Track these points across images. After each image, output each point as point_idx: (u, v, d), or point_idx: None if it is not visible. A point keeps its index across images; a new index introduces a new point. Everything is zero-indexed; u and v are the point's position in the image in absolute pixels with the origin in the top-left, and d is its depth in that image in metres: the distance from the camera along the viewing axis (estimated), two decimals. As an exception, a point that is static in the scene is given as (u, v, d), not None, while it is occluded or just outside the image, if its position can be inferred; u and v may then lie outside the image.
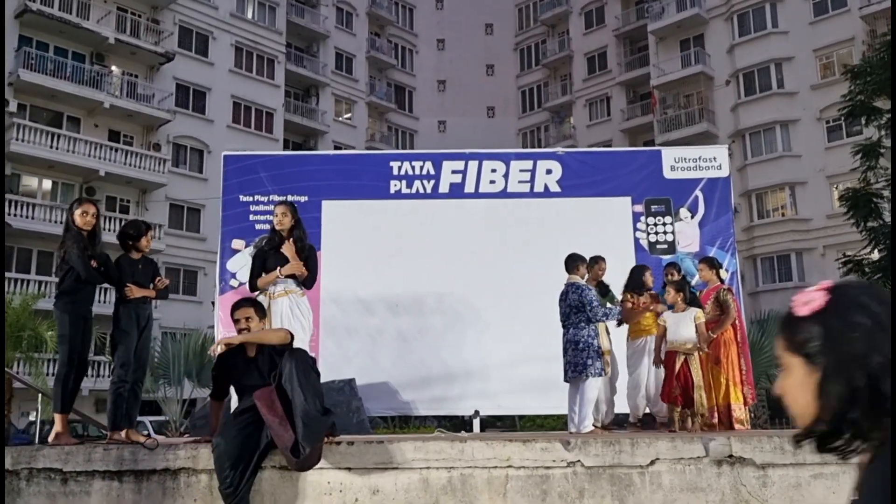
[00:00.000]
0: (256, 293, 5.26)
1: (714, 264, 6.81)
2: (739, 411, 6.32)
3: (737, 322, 6.56)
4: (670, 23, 30.86)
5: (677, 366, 6.12)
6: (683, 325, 6.28)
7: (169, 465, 3.68)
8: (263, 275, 5.26)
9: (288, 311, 5.22)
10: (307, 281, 5.39)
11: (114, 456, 3.74)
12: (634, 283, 7.04)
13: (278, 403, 3.48)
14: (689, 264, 8.43)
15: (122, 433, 4.56)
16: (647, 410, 7.03)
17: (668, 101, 31.05)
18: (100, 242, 4.81)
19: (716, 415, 6.35)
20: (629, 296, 6.94)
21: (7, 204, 21.86)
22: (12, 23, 23.12)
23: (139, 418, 18.91)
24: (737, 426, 6.24)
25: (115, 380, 4.69)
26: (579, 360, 6.29)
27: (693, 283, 7.60)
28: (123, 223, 5.16)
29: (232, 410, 3.90)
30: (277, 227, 5.34)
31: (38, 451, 3.82)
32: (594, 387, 6.30)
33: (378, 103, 35.57)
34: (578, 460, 3.61)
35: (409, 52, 38.70)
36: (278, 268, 5.23)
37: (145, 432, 17.62)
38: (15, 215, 21.76)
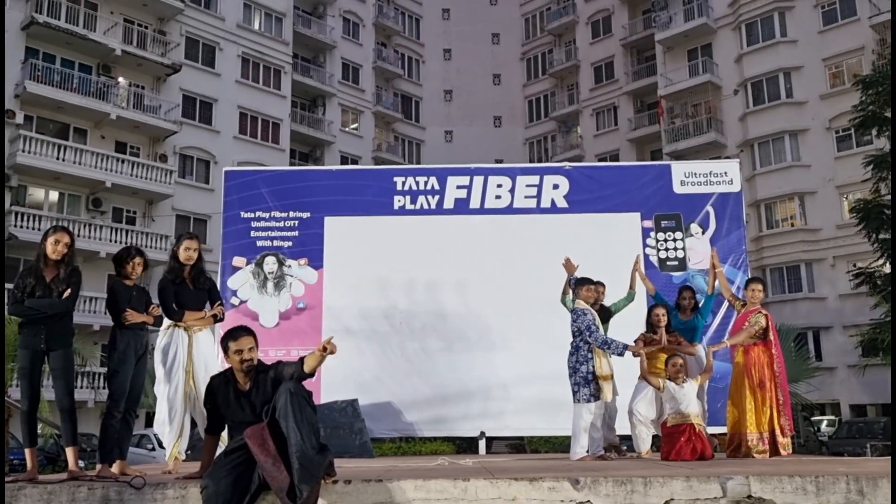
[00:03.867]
0: (176, 321, 5.24)
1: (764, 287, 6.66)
2: (782, 437, 6.20)
3: (774, 350, 6.35)
4: (678, 32, 30.71)
5: (684, 436, 5.81)
6: (689, 398, 6.08)
7: (157, 505, 3.52)
8: (175, 307, 5.23)
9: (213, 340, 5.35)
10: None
11: (98, 496, 3.57)
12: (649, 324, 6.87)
13: (271, 442, 3.29)
14: (701, 281, 8.25)
15: (113, 467, 4.39)
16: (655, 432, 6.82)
17: (675, 111, 30.86)
18: (69, 269, 4.62)
19: (765, 441, 6.16)
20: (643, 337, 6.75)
21: (13, 215, 21.80)
22: (19, 34, 23.15)
23: (143, 431, 18.54)
24: (783, 452, 6.15)
25: (108, 410, 4.54)
26: (572, 384, 6.33)
27: (701, 303, 7.38)
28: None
29: (223, 448, 3.72)
30: (185, 261, 5.32)
31: (20, 489, 3.66)
32: (583, 413, 6.20)
33: (385, 113, 35.52)
34: (588, 500, 3.43)
35: (416, 61, 38.67)
36: (206, 310, 5.34)
37: (150, 446, 17.45)
38: (21, 227, 21.71)
